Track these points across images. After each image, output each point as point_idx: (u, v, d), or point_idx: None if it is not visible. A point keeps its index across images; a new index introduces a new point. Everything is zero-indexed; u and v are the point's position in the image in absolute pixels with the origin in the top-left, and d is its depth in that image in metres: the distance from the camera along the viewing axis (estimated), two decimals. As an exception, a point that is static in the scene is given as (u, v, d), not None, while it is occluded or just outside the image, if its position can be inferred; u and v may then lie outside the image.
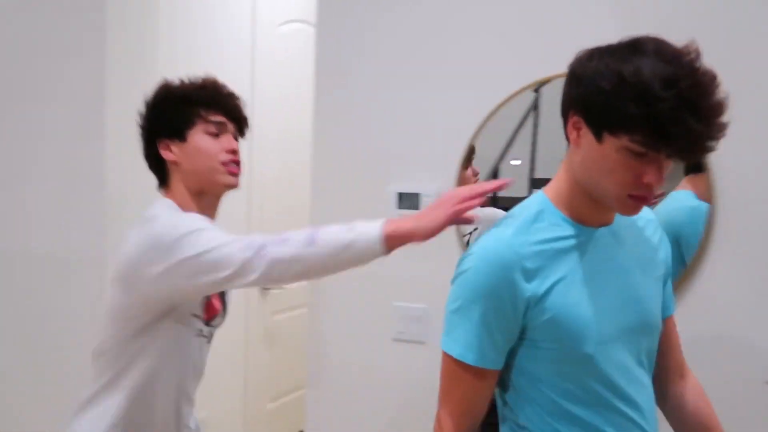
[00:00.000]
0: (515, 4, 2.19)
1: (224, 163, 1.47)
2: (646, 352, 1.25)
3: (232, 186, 1.50)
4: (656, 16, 1.94)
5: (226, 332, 2.62)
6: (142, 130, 1.52)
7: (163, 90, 1.51)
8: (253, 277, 1.27)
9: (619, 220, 1.22)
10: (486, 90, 2.21)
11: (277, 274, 1.28)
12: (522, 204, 1.26)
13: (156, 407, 1.49)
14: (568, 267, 1.18)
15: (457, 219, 1.25)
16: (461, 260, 1.22)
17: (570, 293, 1.17)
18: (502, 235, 1.17)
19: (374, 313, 2.28)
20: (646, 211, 1.26)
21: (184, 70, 2.94)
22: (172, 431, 1.54)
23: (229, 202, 3.19)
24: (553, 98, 2.10)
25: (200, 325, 1.51)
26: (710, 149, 1.04)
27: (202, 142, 1.46)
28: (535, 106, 2.21)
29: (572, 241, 1.19)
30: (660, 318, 1.25)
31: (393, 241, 1.25)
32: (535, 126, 2.23)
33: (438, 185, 2.30)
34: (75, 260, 2.70)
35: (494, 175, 2.28)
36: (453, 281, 1.22)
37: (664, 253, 1.28)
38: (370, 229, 1.26)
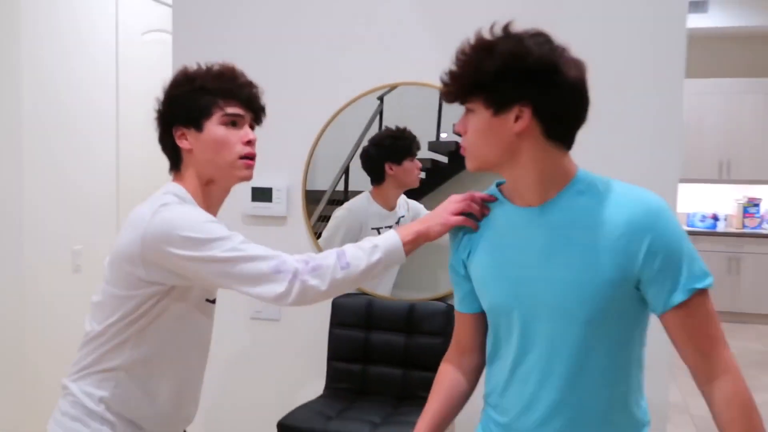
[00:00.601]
0: (359, 18, 2.26)
1: (241, 156, 1.39)
2: (564, 337, 1.17)
3: (247, 179, 1.42)
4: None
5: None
6: (158, 115, 1.43)
7: (181, 78, 1.42)
8: (283, 300, 1.28)
9: (568, 212, 1.17)
10: (329, 96, 2.30)
11: (307, 301, 1.31)
12: None
13: (160, 387, 1.41)
14: (482, 237, 1.28)
15: (457, 220, 1.30)
16: None
17: (474, 258, 1.28)
18: None
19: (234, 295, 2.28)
20: (620, 213, 1.14)
21: (49, 75, 2.85)
22: (172, 408, 1.46)
23: (100, 192, 3.04)
24: (393, 106, 2.24)
25: (207, 303, 1.46)
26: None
27: (219, 133, 1.37)
28: (380, 112, 2.37)
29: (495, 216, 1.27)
30: (587, 313, 1.15)
31: (410, 247, 1.33)
32: (381, 129, 2.36)
33: (287, 181, 2.36)
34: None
35: (346, 171, 2.39)
36: None
37: (627, 254, 1.13)
38: (391, 244, 1.32)
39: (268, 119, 2.21)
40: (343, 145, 2.36)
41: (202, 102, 1.37)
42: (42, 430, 2.97)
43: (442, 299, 2.28)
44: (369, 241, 1.33)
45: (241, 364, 2.47)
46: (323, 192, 2.38)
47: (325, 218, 2.37)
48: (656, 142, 2.08)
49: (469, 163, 1.21)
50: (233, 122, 1.38)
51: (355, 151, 2.36)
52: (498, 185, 1.29)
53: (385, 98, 2.32)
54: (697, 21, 6.25)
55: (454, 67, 1.15)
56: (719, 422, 1.12)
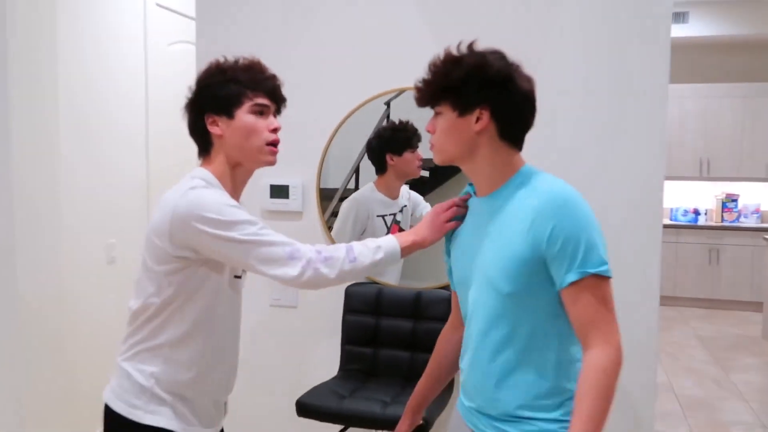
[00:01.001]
0: (368, 27, 2.28)
1: (267, 143, 1.43)
2: (483, 302, 1.29)
3: (271, 164, 1.45)
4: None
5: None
6: (190, 103, 1.45)
7: (214, 69, 1.44)
8: (295, 282, 1.35)
9: (507, 200, 1.28)
10: (340, 101, 2.33)
11: (317, 287, 1.38)
12: None
13: (203, 361, 1.44)
14: (463, 224, 1.42)
15: (449, 226, 1.42)
16: None
17: (453, 243, 1.43)
18: None
19: (254, 284, 2.32)
20: (533, 201, 1.23)
21: (84, 81, 2.89)
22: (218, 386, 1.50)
23: (131, 189, 3.03)
24: (400, 110, 2.26)
25: (236, 279, 1.49)
26: None
27: (249, 121, 1.40)
28: (387, 116, 2.39)
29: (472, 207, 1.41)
30: (503, 286, 1.25)
31: (406, 252, 1.43)
32: (386, 127, 2.41)
33: (302, 179, 2.39)
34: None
35: (356, 171, 2.41)
36: None
37: (534, 236, 1.22)
38: (392, 247, 1.41)
39: (285, 123, 2.25)
40: (354, 147, 2.38)
41: (232, 92, 1.40)
42: (79, 413, 3.02)
43: (445, 287, 2.32)
44: (373, 242, 1.41)
45: (262, 347, 2.51)
46: (335, 190, 2.41)
47: (337, 214, 2.40)
48: (642, 143, 2.10)
49: (436, 157, 1.33)
50: (261, 111, 1.42)
51: (365, 152, 2.39)
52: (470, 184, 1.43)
53: (392, 103, 2.35)
54: (678, 31, 6.28)
55: (426, 76, 1.30)
56: (578, 382, 1.20)
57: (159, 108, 3.49)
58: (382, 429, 2.00)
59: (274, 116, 1.47)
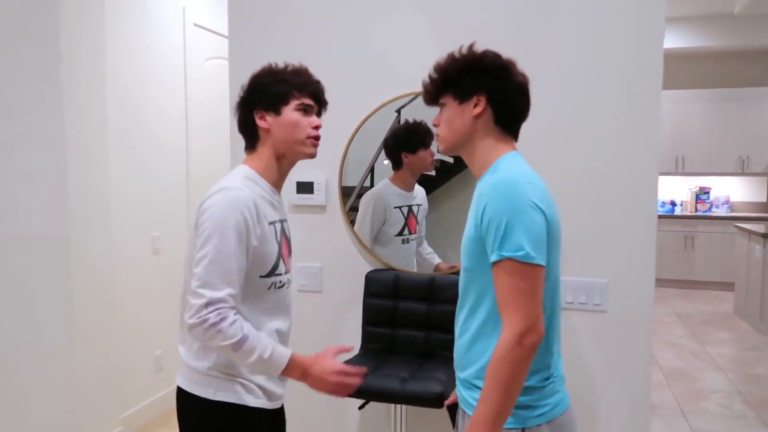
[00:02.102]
0: (380, 39, 2.14)
1: (309, 137, 1.37)
2: (460, 278, 1.25)
3: (312, 156, 1.40)
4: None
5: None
6: (242, 101, 1.40)
7: (265, 71, 1.40)
8: (188, 314, 1.24)
9: (480, 184, 1.22)
10: (358, 105, 2.21)
11: (196, 333, 1.24)
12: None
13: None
14: None
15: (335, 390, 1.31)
16: None
17: None
18: None
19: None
20: (483, 187, 1.17)
21: (129, 91, 2.78)
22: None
23: (173, 187, 2.96)
24: (409, 116, 2.14)
25: (286, 275, 1.41)
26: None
27: (294, 117, 1.36)
28: (398, 122, 2.25)
29: None
30: (464, 262, 1.21)
31: (287, 374, 1.29)
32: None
33: (325, 176, 2.27)
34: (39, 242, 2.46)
35: (371, 170, 2.28)
36: None
37: (476, 215, 1.17)
38: (278, 364, 1.26)
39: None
40: (368, 149, 2.25)
41: (281, 91, 1.36)
42: (129, 391, 2.93)
43: (457, 273, 2.18)
44: (268, 348, 1.24)
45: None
46: (353, 187, 2.28)
47: (355, 208, 2.28)
48: (639, 142, 1.95)
49: (441, 146, 1.29)
50: (305, 110, 1.37)
51: (379, 153, 2.26)
52: None
53: (402, 111, 2.22)
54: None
55: (432, 74, 1.28)
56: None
57: (196, 115, 3.37)
58: (401, 403, 1.87)
59: (317, 116, 1.42)
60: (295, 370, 1.27)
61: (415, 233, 2.23)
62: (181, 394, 1.34)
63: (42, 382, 2.52)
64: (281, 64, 1.41)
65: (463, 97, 1.22)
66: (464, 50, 1.25)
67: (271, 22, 2.29)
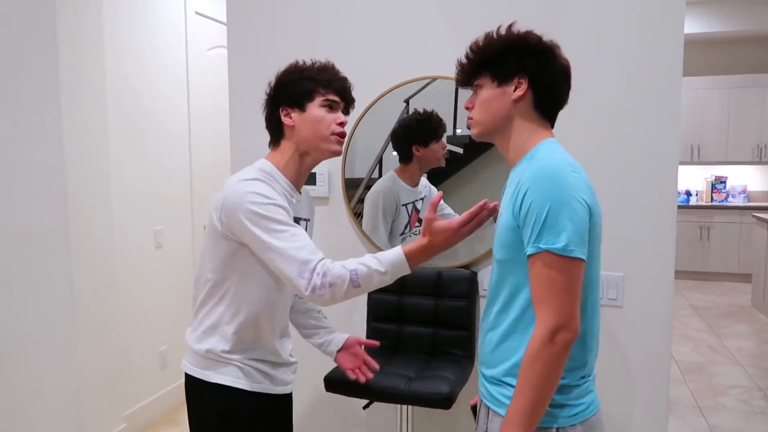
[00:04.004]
0: (384, 24, 2.05)
1: (334, 134, 1.34)
2: (491, 271, 1.19)
3: (337, 153, 1.37)
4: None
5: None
6: (268, 98, 1.39)
7: (291, 68, 1.38)
8: (304, 294, 1.21)
9: (518, 173, 1.14)
10: (363, 94, 2.14)
11: (322, 303, 1.24)
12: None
13: (261, 328, 1.38)
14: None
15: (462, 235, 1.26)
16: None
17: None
18: None
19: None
20: (526, 172, 1.09)
21: (130, 82, 2.71)
22: (273, 345, 1.43)
23: (176, 181, 2.90)
24: (418, 106, 2.05)
25: None
26: None
27: (319, 113, 1.33)
28: (407, 112, 2.16)
29: None
30: (498, 254, 1.15)
31: (415, 263, 1.25)
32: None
33: (328, 167, 2.20)
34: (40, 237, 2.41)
35: (379, 161, 2.21)
36: None
37: (514, 204, 1.10)
38: (398, 264, 1.24)
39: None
40: (376, 139, 2.17)
41: (306, 88, 1.34)
42: (131, 385, 2.88)
43: (465, 267, 2.09)
44: (379, 262, 1.23)
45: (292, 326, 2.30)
46: (361, 179, 2.20)
47: (362, 200, 2.20)
48: (658, 131, 1.85)
49: (474, 130, 1.20)
50: (330, 106, 1.35)
51: (387, 144, 2.17)
52: None
53: (411, 101, 2.13)
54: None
55: (468, 55, 1.18)
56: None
57: (199, 106, 3.29)
58: (406, 404, 1.79)
59: (343, 113, 1.39)
60: (417, 259, 1.24)
61: (417, 227, 2.14)
62: (186, 376, 1.38)
63: (45, 378, 2.48)
64: (308, 61, 1.39)
65: (503, 79, 1.14)
66: (503, 30, 1.16)
67: (270, 8, 2.21)
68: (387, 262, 1.23)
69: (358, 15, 2.12)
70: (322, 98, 1.33)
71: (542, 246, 1.02)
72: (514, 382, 1.10)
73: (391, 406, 2.17)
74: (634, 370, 1.91)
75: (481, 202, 1.23)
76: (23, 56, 2.38)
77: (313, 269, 1.20)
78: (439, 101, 2.10)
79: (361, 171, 2.21)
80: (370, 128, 2.16)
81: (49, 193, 2.40)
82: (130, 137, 2.82)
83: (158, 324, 3.03)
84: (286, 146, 1.36)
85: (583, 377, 1.12)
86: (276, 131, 1.38)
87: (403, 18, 2.08)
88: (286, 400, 1.48)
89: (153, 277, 2.98)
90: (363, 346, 1.62)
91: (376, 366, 1.58)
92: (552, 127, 1.19)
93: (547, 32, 1.91)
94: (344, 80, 1.39)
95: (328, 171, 2.20)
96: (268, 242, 1.21)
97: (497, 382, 1.14)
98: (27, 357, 2.48)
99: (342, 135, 1.35)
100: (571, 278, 1.02)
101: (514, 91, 1.13)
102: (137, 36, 2.84)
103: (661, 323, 1.88)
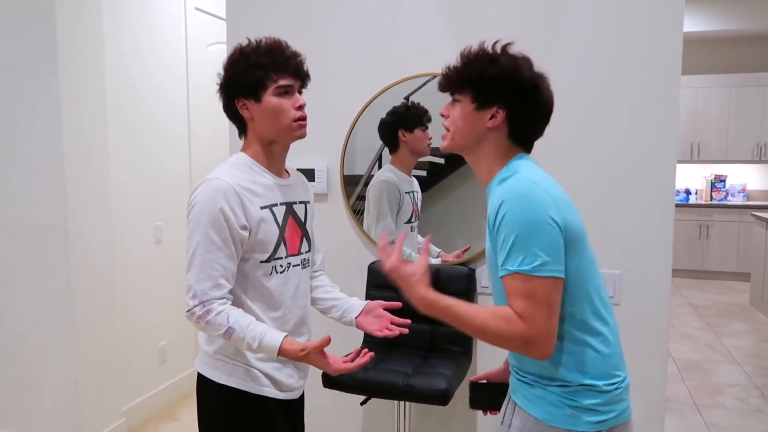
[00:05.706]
0: (385, 20, 2.05)
1: (295, 120, 1.31)
2: (493, 285, 1.18)
3: (302, 137, 1.34)
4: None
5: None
6: (221, 89, 1.34)
7: (237, 56, 1.32)
8: (185, 308, 1.28)
9: (491, 194, 1.15)
10: (362, 90, 2.13)
11: (192, 323, 1.29)
12: None
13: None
14: None
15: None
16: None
17: None
18: None
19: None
20: (492, 198, 1.13)
21: (130, 78, 2.70)
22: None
23: (175, 176, 2.89)
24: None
25: (286, 259, 1.37)
26: None
27: (275, 102, 1.29)
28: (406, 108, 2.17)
29: None
30: (492, 280, 1.15)
31: (284, 355, 1.29)
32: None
33: (327, 164, 2.19)
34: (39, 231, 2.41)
35: (379, 159, 2.21)
36: None
37: (490, 231, 1.12)
38: (270, 346, 1.27)
39: (311, 111, 2.06)
40: (377, 136, 2.16)
41: (257, 77, 1.28)
42: (130, 380, 2.88)
43: (463, 264, 2.09)
44: (260, 334, 1.26)
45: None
46: (361, 176, 2.20)
47: (362, 197, 2.20)
48: (657, 129, 1.85)
49: (444, 143, 1.20)
50: (285, 91, 1.30)
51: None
52: None
53: (410, 98, 2.13)
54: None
55: (457, 65, 1.16)
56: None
57: (199, 102, 3.29)
58: (403, 400, 1.79)
59: (299, 92, 1.34)
60: (288, 356, 1.29)
61: (417, 220, 2.16)
62: (198, 375, 1.38)
63: (43, 373, 2.48)
64: (252, 42, 1.32)
65: (481, 104, 1.13)
66: (498, 48, 1.14)
67: (270, 4, 2.20)
68: (264, 343, 1.25)
69: (357, 11, 2.12)
70: (274, 85, 1.28)
71: (510, 268, 1.03)
72: (543, 383, 1.11)
73: (389, 402, 2.18)
74: (630, 368, 1.91)
75: (353, 351, 1.35)
76: (22, 52, 2.37)
77: (205, 302, 1.24)
78: (438, 99, 2.10)
79: (360, 168, 2.21)
80: (369, 125, 2.16)
81: (48, 188, 2.40)
82: (130, 133, 2.82)
83: (157, 319, 3.03)
84: (252, 137, 1.34)
85: (615, 384, 1.12)
86: (237, 122, 1.36)
87: (403, 15, 2.07)
88: (295, 405, 1.46)
89: (152, 272, 2.98)
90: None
91: (407, 321, 1.45)
92: (528, 151, 1.18)
93: (546, 30, 1.93)
94: (294, 57, 1.32)
95: (327, 168, 2.20)
96: (195, 251, 1.24)
97: (528, 382, 1.14)
98: (26, 352, 2.48)
99: (303, 118, 1.32)
100: (547, 297, 1.02)
101: (490, 119, 1.13)
102: (136, 31, 2.83)
103: (658, 321, 1.89)
